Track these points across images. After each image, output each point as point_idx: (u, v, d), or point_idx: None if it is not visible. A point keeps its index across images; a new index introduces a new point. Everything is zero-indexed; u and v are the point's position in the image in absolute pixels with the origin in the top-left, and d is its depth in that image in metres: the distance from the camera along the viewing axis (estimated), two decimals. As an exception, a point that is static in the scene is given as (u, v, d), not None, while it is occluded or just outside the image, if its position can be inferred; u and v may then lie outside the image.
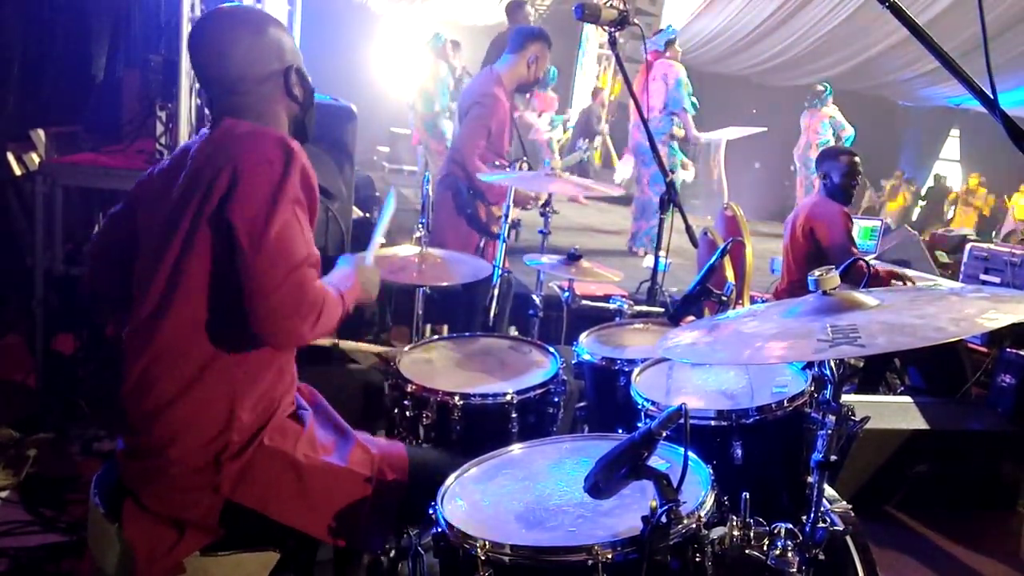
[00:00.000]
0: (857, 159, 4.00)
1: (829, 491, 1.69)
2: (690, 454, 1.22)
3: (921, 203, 14.34)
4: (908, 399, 3.46)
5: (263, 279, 1.44)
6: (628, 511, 1.32)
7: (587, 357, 2.18)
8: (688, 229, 2.81)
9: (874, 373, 4.00)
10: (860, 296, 1.30)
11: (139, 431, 1.57)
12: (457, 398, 1.89)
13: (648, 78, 6.30)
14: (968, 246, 4.86)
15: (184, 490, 1.53)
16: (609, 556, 1.19)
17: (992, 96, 1.24)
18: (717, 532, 1.34)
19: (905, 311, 1.24)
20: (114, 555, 1.57)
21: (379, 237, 2.02)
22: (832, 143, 7.84)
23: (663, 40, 6.50)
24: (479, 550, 1.23)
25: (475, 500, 1.43)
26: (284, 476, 1.56)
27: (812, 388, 1.70)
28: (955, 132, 16.21)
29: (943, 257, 6.10)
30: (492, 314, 3.01)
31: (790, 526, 1.37)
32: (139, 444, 1.57)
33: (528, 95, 8.27)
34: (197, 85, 3.35)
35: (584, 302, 2.85)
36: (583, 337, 2.31)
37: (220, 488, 1.52)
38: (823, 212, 3.91)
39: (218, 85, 1.64)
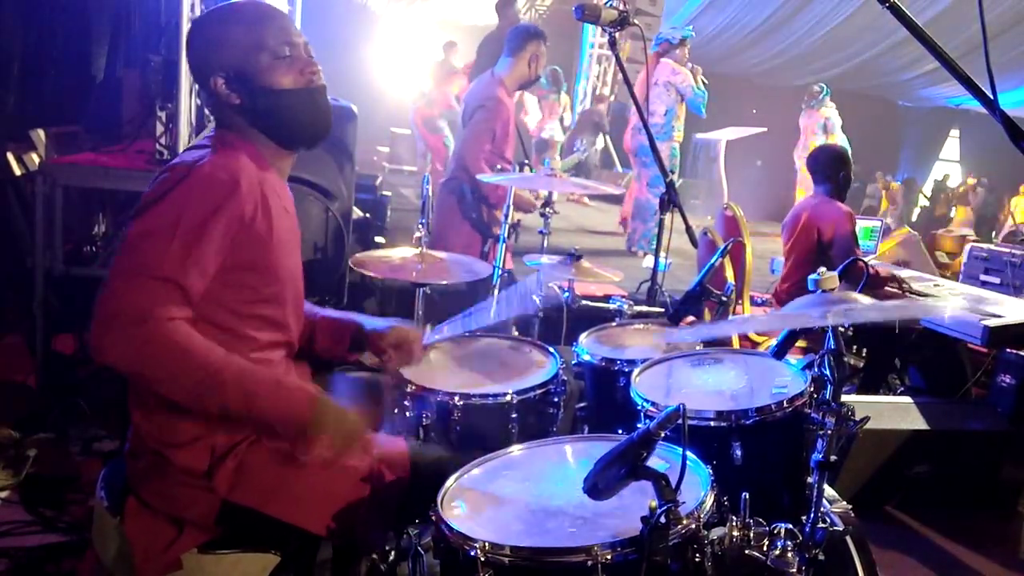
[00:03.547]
0: (848, 155, 4.02)
1: (829, 491, 1.68)
2: (689, 454, 1.22)
3: (922, 204, 14.34)
4: (908, 399, 3.45)
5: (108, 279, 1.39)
6: (628, 512, 1.32)
7: (587, 357, 2.17)
8: (688, 229, 2.80)
9: (874, 374, 3.99)
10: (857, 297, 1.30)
11: (137, 432, 1.59)
12: (457, 398, 1.88)
13: (651, 80, 6.25)
14: (968, 246, 4.85)
15: (181, 489, 1.54)
16: (608, 557, 1.19)
17: (992, 96, 1.24)
18: (717, 532, 1.34)
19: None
20: (114, 549, 1.58)
21: None
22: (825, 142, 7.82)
23: (677, 36, 6.32)
24: (479, 551, 1.23)
25: (475, 500, 1.43)
26: (283, 474, 1.56)
27: (812, 388, 1.70)
28: (955, 132, 16.25)
29: (943, 257, 6.10)
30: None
31: (790, 526, 1.37)
32: (138, 444, 1.59)
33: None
34: (197, 85, 3.35)
35: (584, 302, 2.85)
36: (583, 337, 2.31)
37: (216, 489, 1.53)
38: (827, 212, 3.88)
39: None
